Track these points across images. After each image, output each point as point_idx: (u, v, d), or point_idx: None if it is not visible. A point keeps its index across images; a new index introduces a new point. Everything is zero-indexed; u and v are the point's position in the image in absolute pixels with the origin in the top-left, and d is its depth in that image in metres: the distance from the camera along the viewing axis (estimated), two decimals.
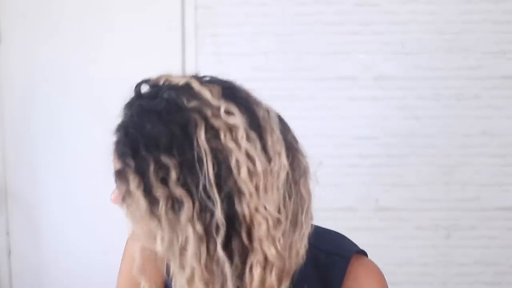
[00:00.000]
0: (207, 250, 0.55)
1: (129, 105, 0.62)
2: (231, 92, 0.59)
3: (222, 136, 0.55)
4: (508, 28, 1.97)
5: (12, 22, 2.02)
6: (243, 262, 0.57)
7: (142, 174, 0.56)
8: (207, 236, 0.55)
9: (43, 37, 2.02)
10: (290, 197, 0.58)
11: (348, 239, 0.74)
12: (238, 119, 0.56)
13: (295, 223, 0.59)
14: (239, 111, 0.56)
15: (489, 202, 2.03)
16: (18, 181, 2.10)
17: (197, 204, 0.54)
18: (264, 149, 0.56)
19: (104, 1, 2.01)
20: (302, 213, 0.60)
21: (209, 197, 0.54)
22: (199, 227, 0.55)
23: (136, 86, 0.62)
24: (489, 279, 2.05)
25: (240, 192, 0.54)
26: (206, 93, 0.57)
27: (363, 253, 0.73)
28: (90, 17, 2.01)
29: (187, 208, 0.54)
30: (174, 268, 0.58)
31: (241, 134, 0.55)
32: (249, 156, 0.55)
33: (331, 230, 0.76)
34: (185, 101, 0.56)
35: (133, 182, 0.57)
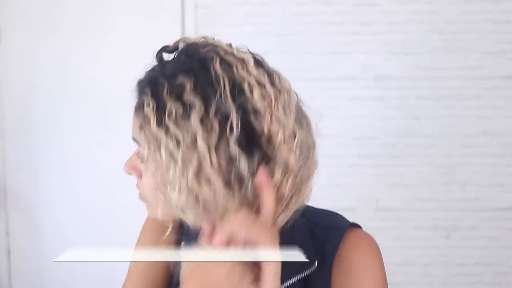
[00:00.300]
0: (220, 147, 0.58)
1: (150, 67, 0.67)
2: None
3: (234, 68, 0.61)
4: (508, 28, 1.97)
5: (12, 22, 2.02)
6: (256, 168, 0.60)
7: (157, 96, 0.60)
8: (221, 133, 0.58)
9: (43, 37, 2.02)
10: (302, 128, 0.63)
11: (342, 216, 0.77)
12: (248, 55, 0.63)
13: (306, 157, 0.63)
14: (249, 51, 0.65)
15: (489, 202, 2.03)
16: (18, 181, 2.10)
17: (211, 108, 0.58)
18: (273, 83, 0.62)
19: (104, 1, 2.01)
20: (314, 149, 0.65)
21: (223, 105, 0.58)
22: (211, 126, 0.57)
23: (157, 53, 0.68)
24: (489, 280, 2.05)
25: (255, 110, 0.59)
26: (219, 41, 0.66)
27: (358, 227, 0.76)
28: (90, 17, 2.01)
29: (199, 108, 0.58)
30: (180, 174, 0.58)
31: (251, 65, 0.62)
32: (259, 83, 0.61)
33: (326, 209, 0.78)
34: (200, 48, 0.64)
35: (147, 106, 0.60)
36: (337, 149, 1.97)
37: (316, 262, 0.71)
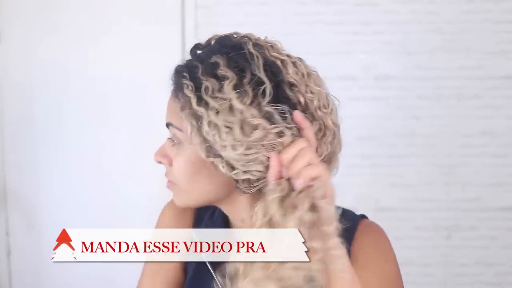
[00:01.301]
0: (255, 106, 0.63)
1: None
2: None
3: (266, 50, 0.67)
4: (509, 28, 1.97)
5: (12, 22, 2.02)
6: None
7: (193, 78, 0.66)
8: (254, 97, 0.63)
9: (43, 36, 2.02)
10: (332, 103, 0.72)
11: (350, 210, 0.83)
12: (275, 41, 0.71)
13: (338, 127, 0.75)
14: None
15: (490, 202, 2.03)
16: (18, 181, 2.10)
17: (245, 78, 0.64)
18: (302, 64, 0.70)
19: (104, 1, 2.01)
20: (339, 130, 0.76)
21: (257, 76, 0.64)
22: (245, 91, 0.63)
23: (191, 50, 0.72)
24: (489, 280, 2.05)
25: (290, 83, 0.66)
26: (250, 34, 0.71)
27: (366, 217, 0.82)
28: (90, 17, 2.01)
29: (232, 79, 0.63)
30: (222, 137, 0.63)
31: (281, 48, 0.69)
32: (292, 60, 0.68)
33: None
34: (232, 37, 0.70)
35: (186, 88, 0.65)
36: None
37: None
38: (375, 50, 1.99)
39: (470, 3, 1.96)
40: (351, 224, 0.74)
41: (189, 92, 0.64)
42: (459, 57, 1.98)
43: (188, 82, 0.65)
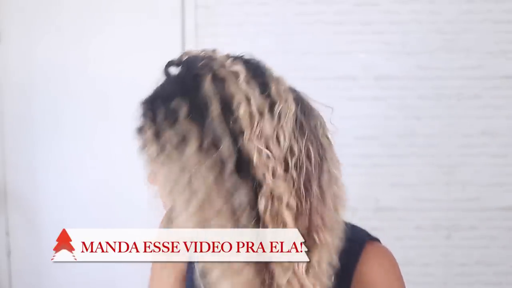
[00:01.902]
0: (216, 177, 0.60)
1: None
2: (241, 57, 0.67)
3: (226, 83, 0.62)
4: (509, 28, 1.97)
5: (12, 22, 2.02)
6: (255, 194, 0.61)
7: (155, 121, 0.63)
8: (216, 165, 0.60)
9: (43, 36, 2.02)
10: (303, 139, 0.63)
11: (360, 228, 0.77)
12: (239, 67, 0.63)
13: (319, 167, 0.65)
14: (243, 63, 0.64)
15: (490, 202, 2.03)
16: (18, 181, 2.10)
17: (204, 137, 0.60)
18: (268, 94, 0.62)
19: (104, 0, 2.01)
20: (325, 159, 0.67)
21: (216, 131, 0.60)
22: (206, 159, 0.60)
23: (164, 68, 0.69)
24: (489, 279, 2.05)
25: (241, 131, 0.61)
26: (215, 53, 0.66)
27: (376, 240, 0.76)
28: (90, 17, 2.00)
29: (195, 140, 0.60)
30: (180, 202, 0.61)
31: (242, 78, 0.62)
32: (247, 98, 0.61)
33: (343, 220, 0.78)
34: (198, 62, 0.65)
35: (148, 130, 0.64)
36: (337, 149, 1.96)
37: (335, 274, 0.69)
38: (375, 50, 1.99)
39: (470, 3, 1.96)
40: (357, 244, 0.72)
41: (149, 137, 0.64)
42: (459, 57, 1.98)
43: (149, 125, 0.64)
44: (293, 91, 0.67)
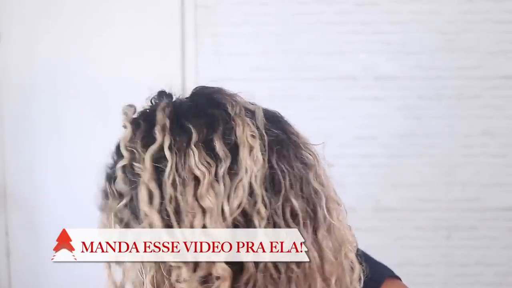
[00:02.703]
0: None
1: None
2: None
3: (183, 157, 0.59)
4: (509, 28, 1.97)
5: (12, 22, 2.02)
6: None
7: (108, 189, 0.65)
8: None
9: (43, 36, 2.02)
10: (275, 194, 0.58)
11: (382, 264, 0.74)
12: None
13: (314, 218, 0.61)
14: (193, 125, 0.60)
15: (490, 203, 2.03)
16: (18, 181, 2.10)
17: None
18: (213, 154, 0.58)
19: (104, 0, 2.01)
20: (320, 208, 0.62)
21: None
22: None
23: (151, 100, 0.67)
24: (490, 280, 2.05)
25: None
26: (179, 100, 0.65)
27: (397, 278, 0.73)
28: (90, 17, 2.00)
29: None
30: None
31: (195, 159, 0.58)
32: (196, 178, 0.58)
33: (364, 253, 0.74)
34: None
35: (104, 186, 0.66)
36: (337, 149, 1.96)
37: None
38: (375, 50, 1.99)
39: (470, 3, 1.96)
40: (374, 283, 0.68)
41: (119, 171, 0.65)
42: (460, 57, 1.98)
43: (106, 186, 0.69)
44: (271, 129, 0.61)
